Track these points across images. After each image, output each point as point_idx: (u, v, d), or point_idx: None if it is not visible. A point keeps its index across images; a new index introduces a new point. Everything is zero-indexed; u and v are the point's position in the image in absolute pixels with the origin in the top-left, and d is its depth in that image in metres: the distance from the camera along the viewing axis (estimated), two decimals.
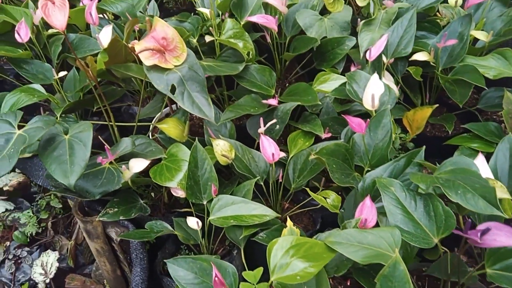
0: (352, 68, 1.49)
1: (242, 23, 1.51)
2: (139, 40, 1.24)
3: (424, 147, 1.04)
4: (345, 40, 1.46)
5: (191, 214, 1.24)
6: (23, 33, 1.41)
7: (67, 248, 1.52)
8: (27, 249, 1.52)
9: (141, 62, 1.55)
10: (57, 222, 1.63)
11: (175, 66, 1.12)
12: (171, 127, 1.21)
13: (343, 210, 1.09)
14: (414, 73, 1.38)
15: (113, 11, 1.52)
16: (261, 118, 1.24)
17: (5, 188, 1.73)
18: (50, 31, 1.60)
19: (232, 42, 1.35)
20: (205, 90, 1.12)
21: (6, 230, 1.60)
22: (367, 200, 0.95)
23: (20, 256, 1.49)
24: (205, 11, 1.63)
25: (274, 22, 1.41)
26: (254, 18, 1.41)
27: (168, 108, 1.60)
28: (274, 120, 1.22)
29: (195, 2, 2.05)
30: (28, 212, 1.58)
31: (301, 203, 1.28)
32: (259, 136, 1.15)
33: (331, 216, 1.35)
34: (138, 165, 1.09)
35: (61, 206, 1.65)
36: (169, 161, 1.18)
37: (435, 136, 1.49)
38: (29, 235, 1.56)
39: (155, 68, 1.11)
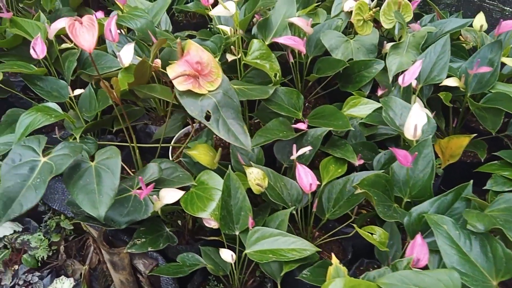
0: (379, 92, 1.46)
1: (267, 43, 1.46)
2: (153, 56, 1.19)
3: (471, 181, 1.01)
4: (373, 63, 1.43)
5: (218, 242, 1.19)
6: (39, 49, 1.34)
7: (81, 273, 1.44)
8: (37, 274, 1.44)
9: (160, 81, 1.50)
10: (69, 245, 1.55)
11: (209, 91, 1.07)
12: (201, 154, 1.15)
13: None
14: (445, 99, 1.35)
15: (132, 27, 1.46)
16: (294, 145, 1.19)
17: None
18: (64, 45, 1.53)
19: (260, 64, 1.30)
20: (240, 117, 1.07)
21: (15, 253, 1.52)
22: (418, 238, 0.91)
23: (31, 281, 1.41)
24: (226, 28, 1.59)
25: (302, 44, 1.38)
26: (281, 40, 1.37)
27: (186, 128, 1.55)
28: (309, 148, 1.17)
29: (212, 19, 2.01)
30: (39, 235, 1.50)
31: (332, 232, 1.24)
32: (295, 164, 1.10)
33: (362, 244, 1.32)
34: (170, 195, 1.03)
35: (72, 227, 1.57)
36: (199, 189, 1.12)
37: (462, 161, 1.46)
38: (40, 259, 1.48)
39: (189, 93, 1.06)
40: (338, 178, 1.21)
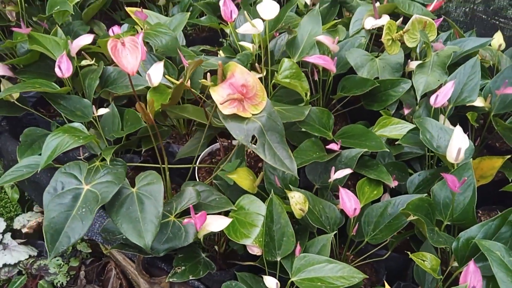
0: (405, 111, 1.47)
1: (294, 61, 1.45)
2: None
3: None
4: (400, 83, 1.43)
5: (252, 267, 1.17)
6: (64, 67, 1.30)
7: None
8: None
9: (184, 99, 1.47)
10: (88, 269, 1.50)
11: (253, 114, 1.05)
12: (242, 178, 1.13)
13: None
14: (471, 119, 1.37)
15: (157, 44, 1.43)
16: (333, 168, 1.18)
17: (23, 230, 1.58)
18: (84, 62, 1.49)
19: (292, 84, 1.29)
20: (284, 141, 1.05)
21: (30, 279, 1.45)
22: (472, 265, 0.91)
23: None
24: (248, 45, 1.57)
25: (333, 63, 1.37)
26: (311, 59, 1.36)
27: (210, 147, 1.52)
28: (349, 171, 1.16)
29: (227, 34, 1.99)
30: (58, 260, 1.44)
31: (366, 254, 1.23)
32: (336, 187, 1.09)
33: (394, 266, 1.31)
34: (217, 223, 1.00)
35: (90, 250, 1.52)
36: (239, 214, 1.10)
37: None
38: (58, 285, 1.42)
39: (233, 117, 1.03)
40: (375, 201, 1.20)
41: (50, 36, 1.48)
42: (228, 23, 1.75)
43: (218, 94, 1.04)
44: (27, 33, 1.43)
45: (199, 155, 1.48)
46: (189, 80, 1.34)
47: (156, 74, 1.30)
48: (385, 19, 1.59)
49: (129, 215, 0.97)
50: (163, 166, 1.27)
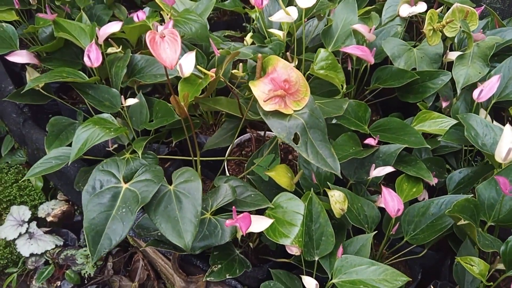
0: (443, 104, 1.41)
1: (329, 51, 1.39)
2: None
3: None
4: (439, 74, 1.37)
5: (286, 264, 1.15)
6: (93, 57, 1.25)
7: None
8: None
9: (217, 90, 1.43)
10: (115, 260, 1.49)
11: (295, 111, 1.00)
12: (280, 175, 1.10)
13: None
14: None
15: (187, 32, 1.38)
16: (373, 165, 1.14)
17: (48, 219, 1.57)
18: (110, 50, 1.44)
19: (329, 76, 1.24)
20: (327, 138, 1.01)
21: (57, 269, 1.45)
22: None
23: None
24: (278, 33, 1.51)
25: (371, 54, 1.31)
26: (349, 50, 1.30)
27: (239, 138, 1.48)
28: (391, 169, 1.12)
29: (252, 18, 1.92)
30: (85, 251, 1.43)
31: (402, 252, 1.20)
32: (376, 185, 1.05)
33: (428, 264, 1.29)
34: (259, 224, 0.97)
35: None
36: (277, 212, 1.07)
37: None
38: (86, 276, 1.41)
39: (275, 113, 0.99)
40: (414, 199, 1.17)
41: (75, 22, 1.43)
42: (256, 8, 1.69)
43: (259, 89, 0.99)
44: (52, 19, 1.38)
45: (226, 146, 1.44)
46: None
47: (188, 64, 1.25)
48: (422, 7, 1.52)
49: (167, 214, 0.94)
50: (194, 159, 1.24)
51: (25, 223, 1.48)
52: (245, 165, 1.41)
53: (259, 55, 1.04)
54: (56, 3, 1.60)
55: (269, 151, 1.28)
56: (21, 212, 1.51)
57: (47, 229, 1.55)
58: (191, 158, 1.23)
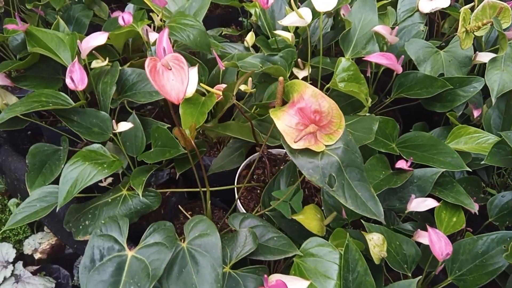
0: (475, 113, 1.27)
1: (347, 57, 1.22)
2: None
3: None
4: (471, 81, 1.22)
5: None
6: (77, 78, 1.06)
7: None
8: None
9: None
10: None
11: (327, 146, 0.84)
12: (309, 219, 0.94)
13: None
14: None
15: (185, 40, 1.19)
16: (413, 196, 1.00)
17: (36, 256, 1.39)
18: (94, 64, 1.24)
19: (354, 92, 1.07)
20: (365, 176, 0.85)
21: None
22: None
23: None
24: (286, 35, 1.33)
25: (399, 62, 1.15)
26: (373, 58, 1.14)
27: (248, 159, 1.31)
28: (434, 203, 0.98)
29: (249, 13, 1.73)
30: None
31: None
32: (429, 230, 0.91)
33: None
34: (293, 286, 0.82)
35: None
36: (307, 261, 0.92)
37: None
38: None
39: (304, 150, 0.83)
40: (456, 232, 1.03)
41: (52, 32, 1.22)
42: (257, 4, 1.50)
43: (284, 123, 0.82)
44: (23, 30, 1.17)
45: (232, 168, 1.27)
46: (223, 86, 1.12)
47: (190, 83, 1.07)
48: (445, 1, 1.35)
49: (183, 281, 0.78)
50: (203, 190, 1.07)
51: (10, 264, 1.31)
52: (258, 191, 1.27)
53: (280, 78, 0.87)
54: (27, 6, 1.38)
55: (285, 177, 1.12)
56: (4, 251, 1.32)
57: (36, 267, 1.38)
58: (197, 190, 1.07)
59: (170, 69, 0.76)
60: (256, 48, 1.56)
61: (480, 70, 1.38)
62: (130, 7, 1.71)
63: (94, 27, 1.60)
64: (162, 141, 1.09)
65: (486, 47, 1.37)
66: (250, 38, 1.51)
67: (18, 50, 1.42)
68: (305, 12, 1.17)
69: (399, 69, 1.16)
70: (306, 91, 0.83)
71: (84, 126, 1.12)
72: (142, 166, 1.13)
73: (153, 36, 1.27)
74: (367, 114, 1.17)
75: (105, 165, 1.02)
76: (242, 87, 1.16)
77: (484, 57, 1.28)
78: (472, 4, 1.29)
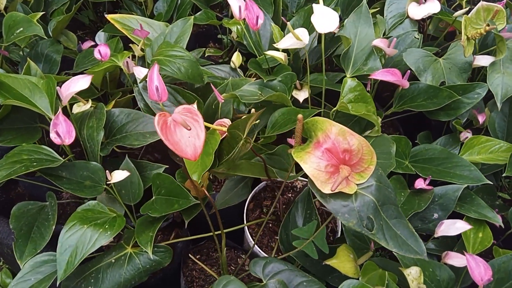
0: (480, 119, 1.24)
1: (348, 75, 1.17)
2: None
3: None
4: (474, 87, 1.19)
5: None
6: (63, 131, 0.94)
7: None
8: None
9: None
10: None
11: (358, 184, 0.78)
12: (343, 261, 0.87)
13: None
14: None
15: (175, 74, 1.09)
16: (443, 223, 0.95)
17: None
18: (77, 109, 1.12)
19: (366, 114, 1.01)
20: (401, 212, 0.79)
21: None
22: None
23: None
24: (278, 55, 1.26)
25: (405, 77, 1.10)
26: (379, 76, 1.08)
27: (255, 190, 1.23)
28: (466, 225, 0.93)
29: (229, 33, 1.64)
30: None
31: None
32: (467, 256, 0.86)
33: None
34: None
35: None
36: None
37: None
38: None
39: (336, 194, 0.76)
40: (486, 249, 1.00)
41: (23, 77, 1.09)
42: (241, 22, 1.42)
43: (312, 166, 0.75)
44: None
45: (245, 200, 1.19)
46: (227, 121, 1.03)
47: None
48: (435, 6, 1.32)
49: None
50: (217, 233, 0.98)
51: None
52: (270, 225, 1.19)
53: (299, 116, 0.79)
54: None
55: (301, 209, 1.05)
56: None
57: None
58: (209, 234, 0.98)
59: (190, 129, 0.66)
60: (243, 68, 1.48)
61: (475, 72, 1.35)
62: (100, 35, 1.59)
63: (65, 61, 1.47)
64: (166, 189, 0.99)
65: (480, 50, 1.34)
66: (236, 58, 1.43)
67: None
68: (302, 33, 1.11)
69: (405, 84, 1.11)
70: (332, 129, 0.76)
71: (74, 182, 1.01)
72: (144, 217, 1.03)
73: (137, 70, 1.17)
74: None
75: (106, 226, 0.91)
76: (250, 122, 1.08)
77: (481, 60, 1.25)
78: (466, 9, 1.26)
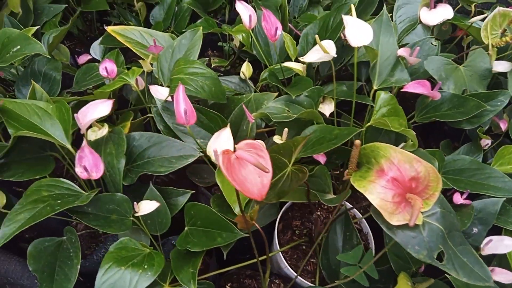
0: (502, 125, 1.24)
1: (375, 87, 1.13)
2: None
3: None
4: (497, 95, 1.18)
5: None
6: (90, 164, 0.86)
7: None
8: None
9: None
10: None
11: (423, 212, 0.74)
12: None
13: None
14: None
15: (199, 93, 1.02)
16: (489, 241, 0.93)
17: None
18: (92, 135, 1.03)
19: (405, 130, 0.98)
20: (464, 238, 0.77)
21: None
22: None
23: None
24: (296, 66, 1.21)
25: (435, 89, 1.08)
26: (411, 88, 1.05)
27: (283, 209, 1.18)
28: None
29: (231, 40, 1.58)
30: None
31: None
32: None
33: None
34: None
35: None
36: None
37: None
38: None
39: (403, 225, 0.72)
40: None
41: (29, 102, 0.99)
42: (250, 32, 1.36)
43: (379, 196, 0.71)
44: None
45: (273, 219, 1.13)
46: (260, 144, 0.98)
47: (225, 147, 0.92)
48: (449, 11, 1.31)
49: None
50: (261, 257, 0.93)
51: None
52: (303, 247, 1.14)
53: (357, 141, 0.75)
54: None
55: (344, 236, 1.02)
56: None
57: None
58: (252, 261, 0.92)
59: (268, 171, 0.60)
60: (253, 79, 1.42)
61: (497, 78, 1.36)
62: (95, 47, 1.49)
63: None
64: (203, 220, 0.92)
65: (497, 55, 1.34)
66: (246, 69, 1.37)
67: None
68: (329, 46, 1.06)
69: (437, 96, 1.09)
70: (397, 156, 0.72)
71: (101, 217, 0.92)
72: (176, 249, 0.96)
73: (154, 89, 1.09)
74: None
75: (145, 265, 0.84)
76: (277, 139, 1.03)
77: (499, 66, 1.25)
78: (484, 15, 1.26)
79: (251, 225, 0.82)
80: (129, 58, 1.62)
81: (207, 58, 1.54)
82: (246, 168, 0.63)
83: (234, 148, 0.66)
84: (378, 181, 0.72)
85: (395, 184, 0.72)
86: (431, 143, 1.51)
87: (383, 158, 0.73)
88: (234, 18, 1.81)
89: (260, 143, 0.65)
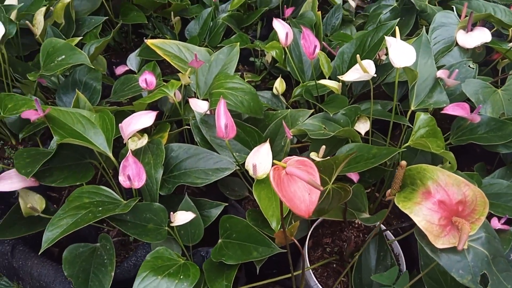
0: None
1: (412, 107, 1.13)
2: None
3: None
4: None
5: None
6: (133, 174, 0.87)
7: None
8: None
9: None
10: None
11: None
12: None
13: None
14: None
15: (238, 108, 1.03)
16: None
17: None
18: (131, 145, 1.05)
19: (446, 152, 0.97)
20: (508, 264, 0.75)
21: None
22: None
23: None
24: (332, 84, 1.22)
25: (475, 111, 1.07)
26: (450, 110, 1.05)
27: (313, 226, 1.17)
28: None
29: (262, 56, 1.60)
30: None
31: None
32: None
33: None
34: None
35: None
36: None
37: None
38: None
39: (448, 248, 0.71)
40: None
41: (73, 111, 1.02)
42: (286, 49, 1.37)
43: (425, 219, 0.70)
44: (43, 116, 0.96)
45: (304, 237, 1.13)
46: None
47: (264, 162, 0.93)
48: (486, 35, 1.30)
49: None
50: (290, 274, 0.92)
51: None
52: (334, 265, 1.13)
53: (403, 162, 0.75)
54: (30, 78, 1.15)
55: (378, 256, 1.00)
56: None
57: None
58: (287, 276, 0.92)
59: (320, 189, 0.61)
60: (285, 95, 1.44)
61: None
62: (131, 58, 1.52)
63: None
64: (238, 233, 0.93)
65: None
66: (279, 85, 1.38)
67: (17, 128, 1.21)
68: (369, 65, 1.07)
69: (476, 118, 1.08)
70: (444, 179, 0.71)
71: (138, 225, 0.94)
72: (209, 261, 0.96)
73: (193, 102, 1.10)
74: None
75: (181, 276, 0.84)
76: (313, 156, 1.03)
77: None
78: None
79: (290, 241, 0.82)
80: (161, 71, 1.65)
81: (239, 73, 1.56)
82: (295, 184, 0.64)
83: (273, 163, 0.66)
84: (424, 203, 0.71)
85: (442, 207, 0.71)
86: (463, 166, 1.48)
87: (430, 180, 0.72)
88: (265, 34, 1.83)
89: (309, 160, 0.65)
